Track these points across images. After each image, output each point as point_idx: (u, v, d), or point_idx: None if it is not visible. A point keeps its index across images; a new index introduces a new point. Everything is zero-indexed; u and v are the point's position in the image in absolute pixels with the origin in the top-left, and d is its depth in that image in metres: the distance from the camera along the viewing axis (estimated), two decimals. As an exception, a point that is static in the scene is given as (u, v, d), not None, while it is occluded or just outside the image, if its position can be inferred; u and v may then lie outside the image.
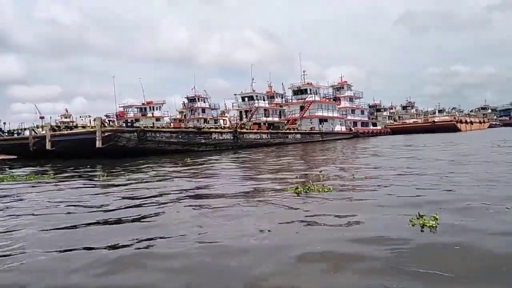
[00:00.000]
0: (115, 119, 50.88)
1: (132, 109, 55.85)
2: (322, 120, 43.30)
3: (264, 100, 48.61)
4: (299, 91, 44.44)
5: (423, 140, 28.86)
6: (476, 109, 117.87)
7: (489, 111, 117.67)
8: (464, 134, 51.45)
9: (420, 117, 69.13)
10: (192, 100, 65.22)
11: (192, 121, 60.59)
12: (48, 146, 23.05)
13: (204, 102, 66.08)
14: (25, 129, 31.06)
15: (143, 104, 57.03)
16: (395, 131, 61.58)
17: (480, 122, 77.33)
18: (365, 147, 23.37)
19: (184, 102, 77.70)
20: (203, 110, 65.28)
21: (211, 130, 27.06)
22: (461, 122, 62.24)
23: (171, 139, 23.81)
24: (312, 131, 38.74)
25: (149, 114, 55.16)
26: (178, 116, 72.24)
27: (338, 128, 45.68)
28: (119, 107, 55.81)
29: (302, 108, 43.32)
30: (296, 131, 36.27)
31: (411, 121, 66.57)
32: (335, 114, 45.96)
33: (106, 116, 53.39)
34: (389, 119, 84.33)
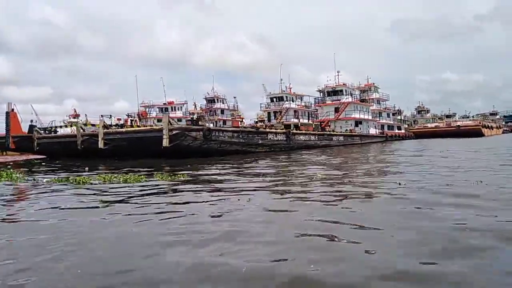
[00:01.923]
0: (137, 119, 49.05)
1: (154, 109, 54.05)
2: (358, 122, 41.95)
3: (292, 101, 47.16)
4: (333, 92, 43.02)
5: (483, 144, 27.58)
6: (476, 115, 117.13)
7: (498, 116, 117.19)
8: (491, 138, 50.71)
9: (441, 121, 68.18)
10: (210, 101, 63.65)
11: (210, 122, 59.02)
12: (100, 144, 21.37)
13: (223, 103, 64.54)
14: (60, 126, 29.31)
15: (164, 104, 55.32)
16: (418, 135, 60.50)
17: (497, 128, 76.98)
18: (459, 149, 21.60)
19: (194, 103, 76.33)
20: (222, 111, 63.71)
21: (267, 130, 25.54)
22: (485, 127, 61.47)
23: (233, 139, 22.25)
24: (353, 134, 37.36)
25: (171, 115, 53.33)
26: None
27: (372, 131, 44.37)
28: (141, 106, 54.04)
29: (336, 109, 41.93)
30: (339, 133, 34.86)
31: (433, 125, 65.55)
32: (369, 117, 44.66)
33: (128, 115, 51.53)
34: (403, 123, 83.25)
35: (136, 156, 20.24)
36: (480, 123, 61.09)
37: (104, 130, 21.43)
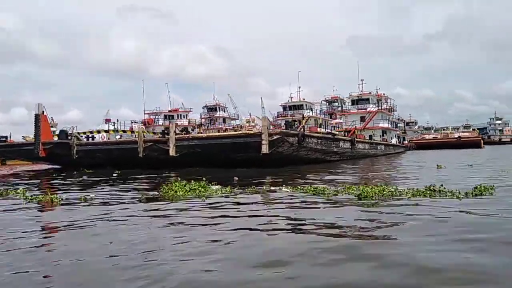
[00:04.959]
0: (144, 127, 45.50)
1: (161, 117, 50.57)
2: (383, 131, 41.12)
3: (311, 109, 45.73)
4: (358, 101, 42.07)
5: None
6: (444, 127, 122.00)
7: (471, 129, 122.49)
8: (489, 148, 52.55)
9: (439, 133, 70.09)
10: (212, 109, 60.81)
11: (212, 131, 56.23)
12: (172, 152, 18.45)
13: (224, 111, 61.98)
14: (98, 131, 25.77)
15: (169, 111, 52.02)
16: (420, 146, 61.24)
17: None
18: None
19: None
20: (224, 120, 61.10)
21: (339, 137, 23.65)
22: (482, 139, 63.61)
23: (317, 146, 20.12)
24: (388, 143, 36.37)
25: (178, 123, 50.12)
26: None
27: (394, 140, 43.77)
28: (145, 114, 50.36)
29: (362, 118, 40.87)
30: (383, 142, 33.73)
31: (431, 137, 66.97)
32: (391, 126, 44.09)
33: (135, 122, 47.68)
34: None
35: (209, 165, 17.51)
36: (479, 135, 62.92)
37: (176, 136, 18.59)
